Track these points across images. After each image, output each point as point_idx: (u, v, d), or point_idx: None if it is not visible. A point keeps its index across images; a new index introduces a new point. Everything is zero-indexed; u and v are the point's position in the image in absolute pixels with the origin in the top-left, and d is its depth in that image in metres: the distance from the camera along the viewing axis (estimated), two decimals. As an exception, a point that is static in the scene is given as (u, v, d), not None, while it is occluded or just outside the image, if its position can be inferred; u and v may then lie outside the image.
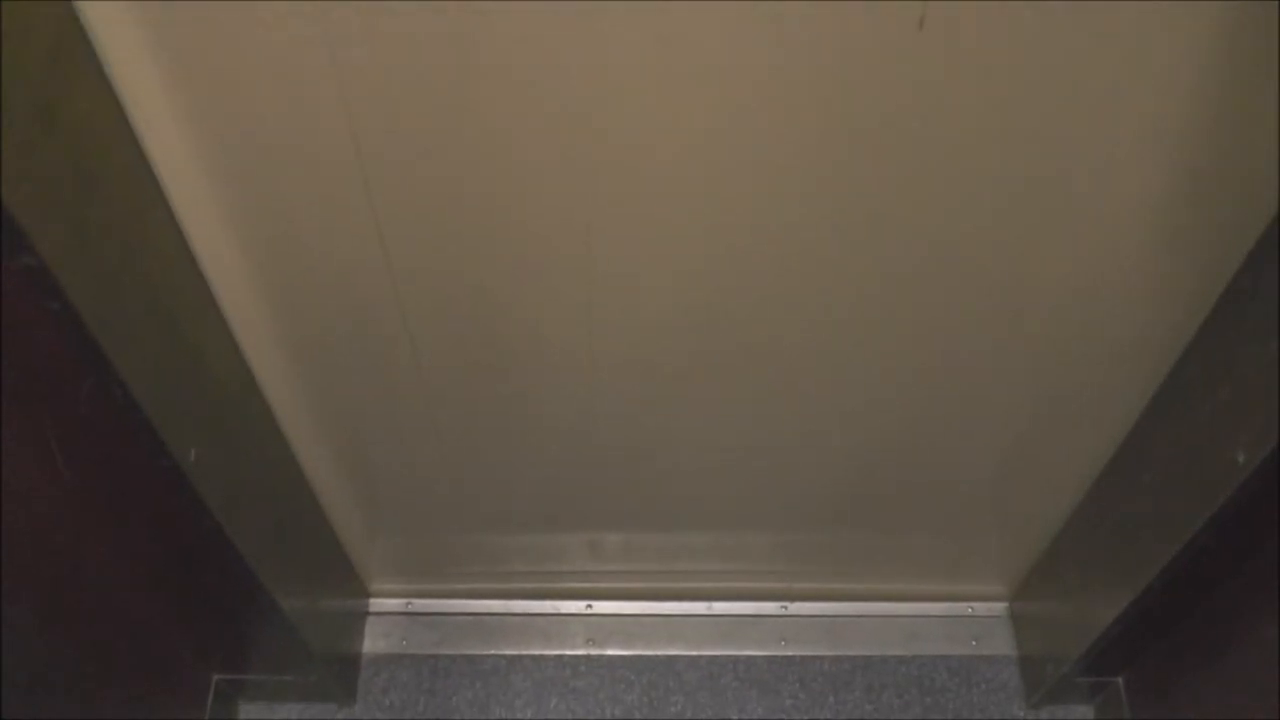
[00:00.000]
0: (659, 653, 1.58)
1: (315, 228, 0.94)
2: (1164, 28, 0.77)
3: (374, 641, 1.59)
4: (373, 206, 0.91)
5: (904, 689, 1.56)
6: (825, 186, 0.91)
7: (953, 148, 0.87)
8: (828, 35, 0.77)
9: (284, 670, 1.42)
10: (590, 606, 1.61)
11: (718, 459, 1.30)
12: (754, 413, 1.21)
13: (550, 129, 0.84)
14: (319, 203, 0.91)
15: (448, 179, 0.89)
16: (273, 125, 0.84)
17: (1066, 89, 0.81)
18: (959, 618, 1.61)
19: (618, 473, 1.33)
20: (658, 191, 0.92)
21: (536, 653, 1.58)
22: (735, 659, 1.58)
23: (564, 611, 1.60)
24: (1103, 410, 1.19)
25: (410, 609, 1.60)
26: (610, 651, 1.58)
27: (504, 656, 1.57)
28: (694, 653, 1.58)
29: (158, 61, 0.78)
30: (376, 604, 1.61)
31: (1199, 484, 1.04)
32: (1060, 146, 0.87)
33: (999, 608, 1.62)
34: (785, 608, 1.61)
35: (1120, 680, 1.47)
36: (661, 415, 1.21)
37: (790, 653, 1.58)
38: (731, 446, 1.28)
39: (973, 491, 1.37)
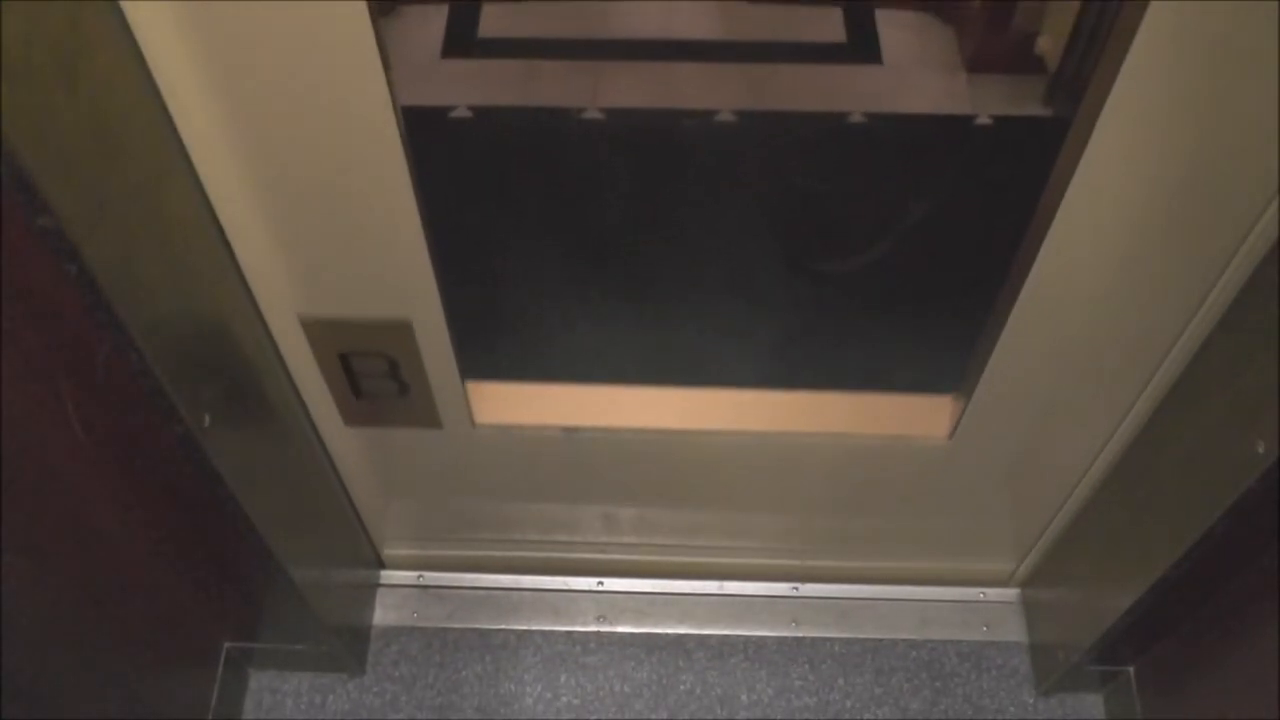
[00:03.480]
0: (669, 631, 1.58)
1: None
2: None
3: (385, 613, 1.59)
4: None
5: (914, 673, 1.56)
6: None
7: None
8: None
9: (295, 639, 1.43)
10: (601, 583, 1.61)
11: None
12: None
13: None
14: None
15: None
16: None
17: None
18: (970, 603, 1.61)
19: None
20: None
21: (547, 628, 1.58)
22: (746, 639, 1.58)
23: (575, 588, 1.61)
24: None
25: (421, 581, 1.61)
26: (621, 629, 1.58)
27: (514, 631, 1.58)
28: (704, 631, 1.58)
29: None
30: (388, 576, 1.61)
31: (1218, 473, 1.04)
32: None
33: (1011, 594, 1.61)
34: (797, 589, 1.61)
35: (1131, 670, 1.47)
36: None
37: (801, 634, 1.58)
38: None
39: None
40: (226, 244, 0.97)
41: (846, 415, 1.30)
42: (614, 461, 1.36)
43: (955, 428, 1.25)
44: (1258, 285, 0.96)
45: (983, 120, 0.82)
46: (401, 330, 1.09)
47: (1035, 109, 0.89)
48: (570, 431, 1.29)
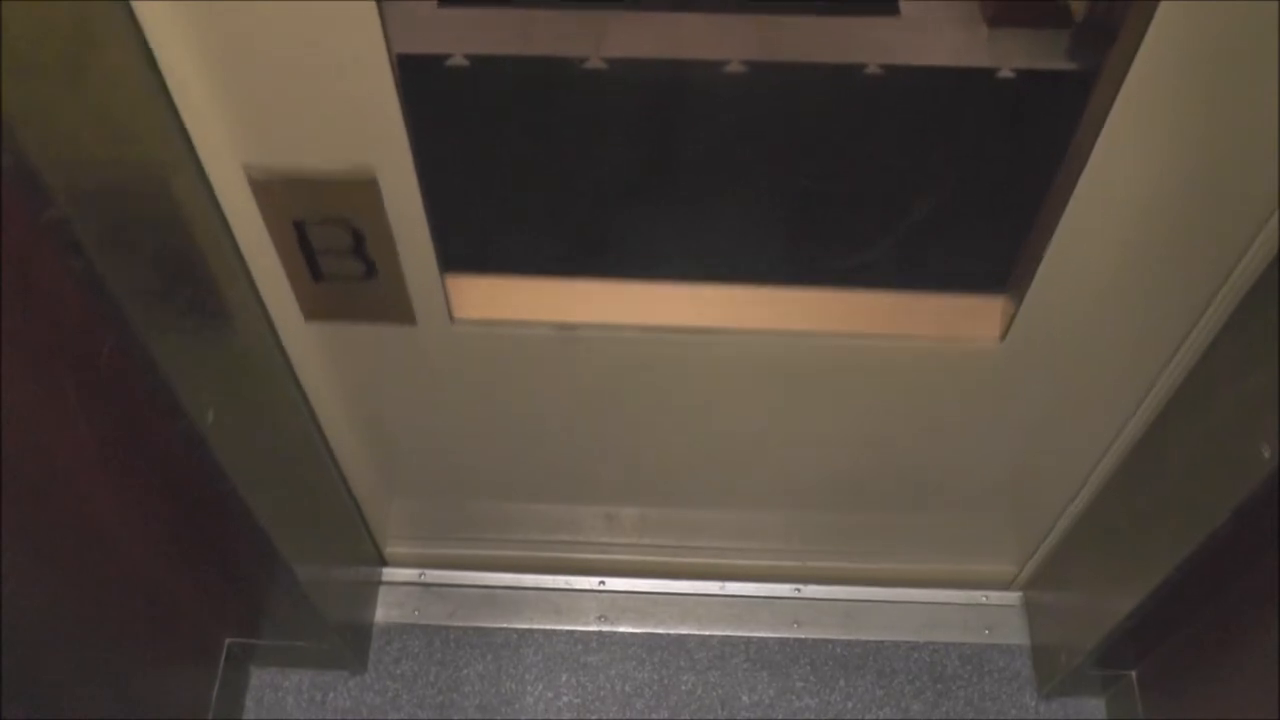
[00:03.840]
0: (671, 631, 1.58)
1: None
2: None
3: (387, 611, 1.59)
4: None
5: (915, 675, 1.55)
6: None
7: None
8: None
9: (296, 636, 1.43)
10: (603, 583, 1.60)
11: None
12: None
13: None
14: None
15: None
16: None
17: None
18: (972, 606, 1.61)
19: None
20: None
21: (548, 627, 1.58)
22: (747, 640, 1.57)
23: (577, 587, 1.60)
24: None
25: (424, 580, 1.61)
26: (622, 628, 1.58)
27: (516, 630, 1.58)
28: (706, 632, 1.58)
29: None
30: (390, 574, 1.61)
31: (1223, 477, 1.03)
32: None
33: (1013, 597, 1.61)
34: (799, 590, 1.60)
35: (1134, 674, 1.47)
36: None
37: (802, 635, 1.58)
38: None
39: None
40: (230, 237, 0.97)
41: (881, 316, 1.14)
42: (615, 367, 1.19)
43: (1007, 329, 1.10)
44: (1265, 287, 0.96)
45: (1005, 73, 0.80)
46: (366, 191, 0.94)
47: (1059, 62, 0.87)
48: (565, 329, 1.13)
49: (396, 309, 1.07)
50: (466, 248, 1.00)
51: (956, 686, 1.55)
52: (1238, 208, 0.93)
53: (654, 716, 1.52)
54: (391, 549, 1.59)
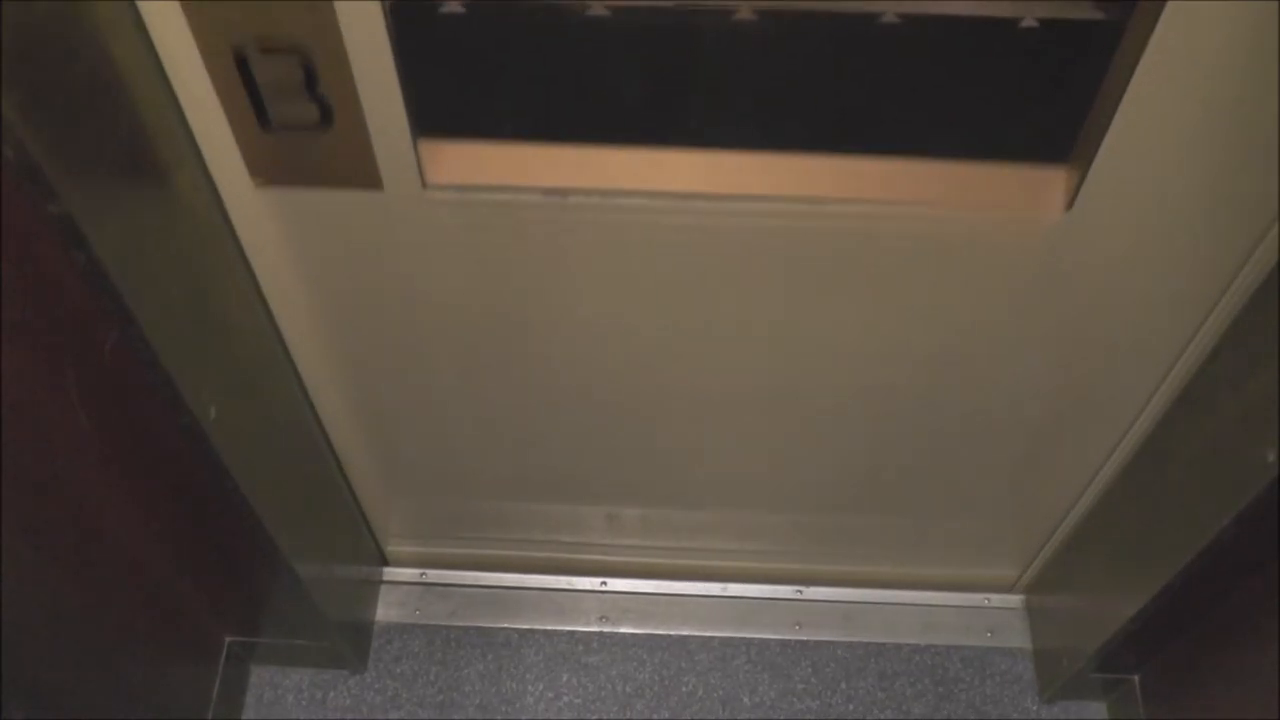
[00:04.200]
0: (672, 632, 1.58)
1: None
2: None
3: (387, 610, 1.59)
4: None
5: (917, 678, 1.55)
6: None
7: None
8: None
9: (297, 635, 1.43)
10: (605, 584, 1.60)
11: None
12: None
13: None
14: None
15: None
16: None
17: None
18: (974, 609, 1.60)
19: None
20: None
21: (549, 627, 1.58)
22: (749, 641, 1.57)
23: (578, 587, 1.60)
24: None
25: (425, 579, 1.60)
26: (623, 629, 1.58)
27: (517, 630, 1.57)
28: (707, 634, 1.58)
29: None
30: (391, 573, 1.61)
31: (1226, 481, 1.03)
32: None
33: (1015, 600, 1.61)
34: (800, 592, 1.60)
35: (1136, 678, 1.46)
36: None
37: (804, 637, 1.58)
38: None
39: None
40: (233, 235, 0.97)
41: (922, 184, 0.95)
42: (614, 243, 1.01)
43: (1073, 199, 0.94)
44: (1268, 289, 0.96)
45: (1028, 23, 0.77)
46: (317, 9, 0.79)
47: (1085, 11, 0.84)
48: (556, 195, 0.95)
49: (358, 169, 0.91)
50: (442, 109, 0.87)
51: (958, 689, 1.54)
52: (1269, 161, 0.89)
53: (655, 717, 1.51)
54: (393, 548, 1.59)
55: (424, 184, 0.93)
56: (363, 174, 0.91)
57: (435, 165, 0.92)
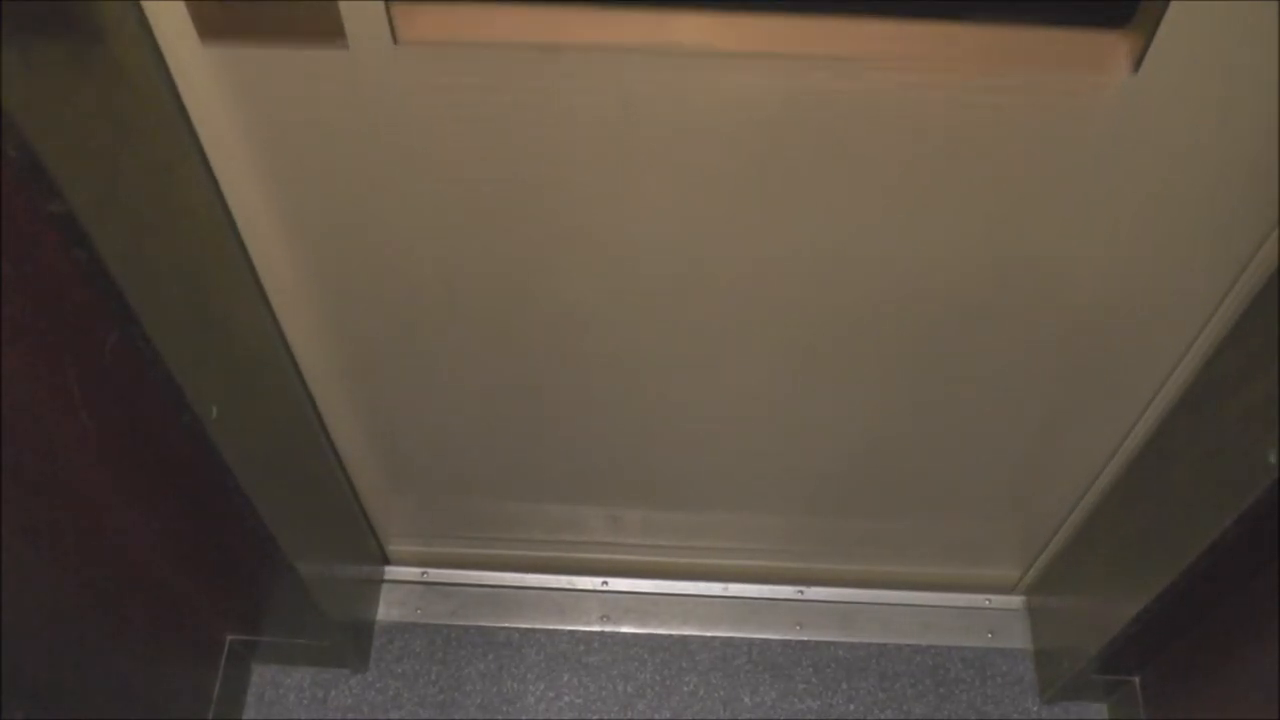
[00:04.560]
0: (673, 632, 1.57)
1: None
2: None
3: (389, 609, 1.59)
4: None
5: (918, 678, 1.55)
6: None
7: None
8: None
9: (298, 634, 1.43)
10: (606, 583, 1.60)
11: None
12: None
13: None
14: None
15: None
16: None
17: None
18: (975, 609, 1.60)
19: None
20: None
21: (550, 627, 1.58)
22: (750, 641, 1.57)
23: (579, 587, 1.60)
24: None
25: (426, 578, 1.60)
26: (624, 629, 1.58)
27: (518, 629, 1.57)
28: (708, 634, 1.58)
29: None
30: (392, 572, 1.61)
31: (1228, 483, 1.03)
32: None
33: (1016, 601, 1.61)
34: (801, 592, 1.60)
35: (1137, 680, 1.46)
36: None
37: (805, 637, 1.57)
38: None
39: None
40: (235, 233, 0.96)
41: (959, 47, 0.84)
42: (611, 106, 0.87)
43: (1140, 60, 0.83)
44: (1272, 292, 0.96)
45: None
46: None
47: None
48: (546, 51, 0.82)
49: (320, 21, 0.78)
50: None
51: (959, 690, 1.54)
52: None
53: (655, 717, 1.51)
54: (394, 547, 1.59)
55: (395, 39, 0.81)
56: (324, 25, 0.79)
57: (408, 19, 0.81)
